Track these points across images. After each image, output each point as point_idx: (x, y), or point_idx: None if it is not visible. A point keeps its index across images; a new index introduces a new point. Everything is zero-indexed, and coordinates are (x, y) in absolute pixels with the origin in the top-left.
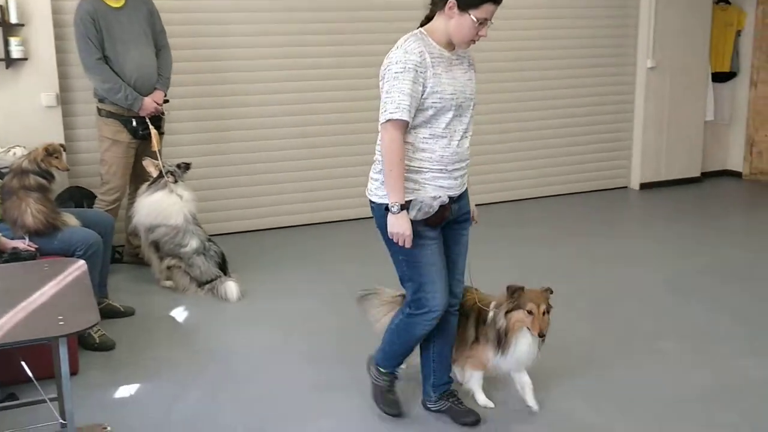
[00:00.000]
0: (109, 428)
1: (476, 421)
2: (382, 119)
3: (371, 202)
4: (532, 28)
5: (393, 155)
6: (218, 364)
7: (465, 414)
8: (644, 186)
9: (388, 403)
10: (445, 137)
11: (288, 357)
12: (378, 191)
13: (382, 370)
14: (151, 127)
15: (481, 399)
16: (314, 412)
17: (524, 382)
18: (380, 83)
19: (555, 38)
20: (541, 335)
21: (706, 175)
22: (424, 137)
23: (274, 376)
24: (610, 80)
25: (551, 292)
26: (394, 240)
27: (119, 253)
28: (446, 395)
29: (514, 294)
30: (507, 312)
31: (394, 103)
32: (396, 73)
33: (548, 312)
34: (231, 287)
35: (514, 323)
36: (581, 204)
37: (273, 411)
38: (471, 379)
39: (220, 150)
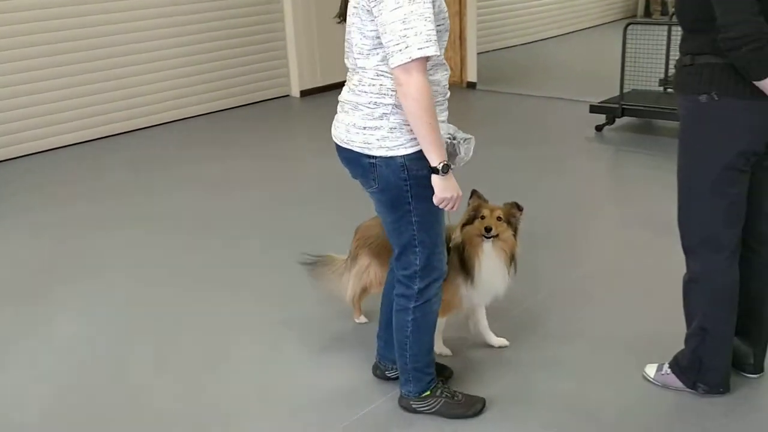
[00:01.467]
0: None
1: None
2: (403, 58)
3: (372, 157)
4: None
5: (429, 104)
6: None
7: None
8: (304, 93)
9: (468, 404)
10: (444, 63)
11: None
12: (386, 141)
13: (427, 392)
14: None
15: (438, 346)
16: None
17: (480, 321)
18: (371, 7)
19: None
20: (487, 230)
21: None
22: (428, 69)
23: None
24: None
25: (519, 208)
26: (443, 206)
27: None
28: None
29: (473, 202)
30: (463, 226)
31: (421, 35)
32: None
33: (514, 229)
34: None
35: (470, 236)
36: (246, 117)
37: None
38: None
39: None
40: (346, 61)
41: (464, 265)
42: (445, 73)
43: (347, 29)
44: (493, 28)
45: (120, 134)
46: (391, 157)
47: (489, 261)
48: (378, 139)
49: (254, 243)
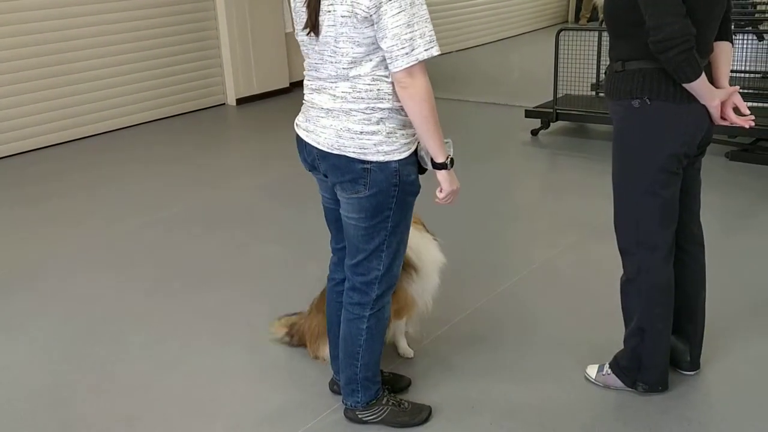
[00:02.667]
0: None
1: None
2: (410, 60)
3: (367, 162)
4: None
5: (434, 103)
6: None
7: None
8: (240, 101)
9: (414, 412)
10: None
11: None
12: (383, 146)
13: (374, 401)
14: None
15: (403, 347)
16: None
17: (399, 326)
18: (370, 14)
19: None
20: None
21: (294, 85)
22: None
23: None
24: None
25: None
26: (448, 200)
27: None
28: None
29: None
30: None
31: (425, 37)
32: None
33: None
34: None
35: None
36: (181, 126)
37: None
38: (389, 328)
39: None
40: (318, 72)
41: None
42: None
43: (324, 40)
44: None
45: (45, 147)
46: (386, 162)
47: (415, 238)
48: (375, 144)
49: (197, 256)
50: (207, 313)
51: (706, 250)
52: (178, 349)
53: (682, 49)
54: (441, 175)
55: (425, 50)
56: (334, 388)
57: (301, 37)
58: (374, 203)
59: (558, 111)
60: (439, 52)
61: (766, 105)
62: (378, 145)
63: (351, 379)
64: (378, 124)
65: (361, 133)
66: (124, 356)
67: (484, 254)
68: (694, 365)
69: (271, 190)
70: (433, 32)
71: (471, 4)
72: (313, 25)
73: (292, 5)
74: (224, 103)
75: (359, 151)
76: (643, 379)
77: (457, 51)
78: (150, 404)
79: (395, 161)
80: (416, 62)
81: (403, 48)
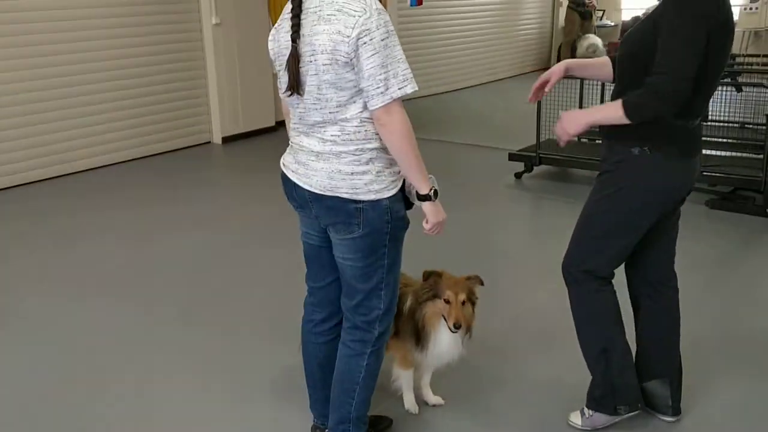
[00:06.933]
0: None
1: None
2: (385, 99)
3: (359, 202)
4: None
5: (413, 137)
6: None
7: None
8: (226, 140)
9: None
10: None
11: None
12: (373, 185)
13: None
14: None
15: (409, 401)
16: None
17: (423, 377)
18: (350, 59)
19: (118, 4)
20: (457, 327)
21: (280, 124)
22: None
23: None
24: (177, 37)
25: (481, 283)
26: (434, 231)
27: None
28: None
29: (430, 279)
30: (422, 302)
31: (398, 77)
32: (383, 41)
33: (473, 303)
34: None
35: (430, 316)
36: (167, 164)
37: None
38: (398, 379)
39: None
40: (303, 120)
41: (416, 334)
42: None
43: (307, 89)
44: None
45: (27, 184)
46: (378, 201)
47: (446, 336)
48: (366, 184)
49: (181, 294)
50: (188, 354)
51: (687, 297)
52: (157, 392)
53: (675, 102)
54: (426, 206)
55: (399, 89)
56: None
57: (284, 97)
58: (369, 242)
59: (541, 155)
60: (413, 89)
61: (744, 155)
62: (369, 184)
63: (343, 419)
64: (368, 164)
65: (353, 173)
66: (107, 383)
67: None
68: (676, 410)
69: (256, 230)
70: (407, 71)
71: (457, 49)
72: (292, 86)
73: (276, 70)
74: (210, 141)
75: (351, 191)
76: (621, 401)
77: (441, 93)
78: None
79: (386, 198)
80: (391, 100)
81: (378, 88)
